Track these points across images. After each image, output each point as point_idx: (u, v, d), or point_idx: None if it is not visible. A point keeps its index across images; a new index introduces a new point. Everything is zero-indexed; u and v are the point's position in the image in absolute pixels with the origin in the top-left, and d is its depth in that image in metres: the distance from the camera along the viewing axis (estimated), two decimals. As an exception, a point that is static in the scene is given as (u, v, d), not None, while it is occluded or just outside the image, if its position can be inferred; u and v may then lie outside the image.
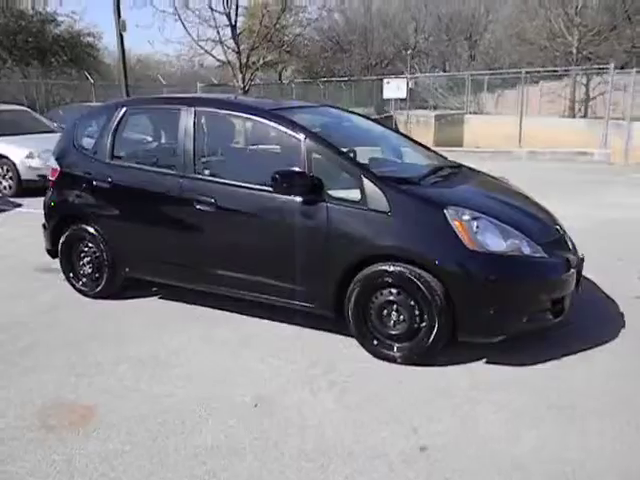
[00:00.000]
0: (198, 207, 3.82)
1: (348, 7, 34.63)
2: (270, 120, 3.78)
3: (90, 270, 4.53)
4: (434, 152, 4.66)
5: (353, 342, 3.63)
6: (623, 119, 15.62)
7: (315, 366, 3.42)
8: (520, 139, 16.58)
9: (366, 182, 3.38)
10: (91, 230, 4.42)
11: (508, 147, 15.90)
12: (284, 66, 24.87)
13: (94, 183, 4.32)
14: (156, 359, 3.55)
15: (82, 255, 4.55)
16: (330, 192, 3.46)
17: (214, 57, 14.42)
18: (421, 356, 3.34)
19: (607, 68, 17.61)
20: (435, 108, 25.12)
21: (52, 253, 4.82)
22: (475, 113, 22.53)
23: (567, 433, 2.71)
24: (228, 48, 13.95)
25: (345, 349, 3.63)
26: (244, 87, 14.53)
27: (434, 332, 3.26)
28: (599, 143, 14.40)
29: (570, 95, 24.84)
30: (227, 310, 4.23)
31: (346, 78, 28.62)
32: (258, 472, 2.48)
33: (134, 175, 4.18)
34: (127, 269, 4.35)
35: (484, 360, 3.44)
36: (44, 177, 7.11)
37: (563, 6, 24.37)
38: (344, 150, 3.64)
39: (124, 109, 4.35)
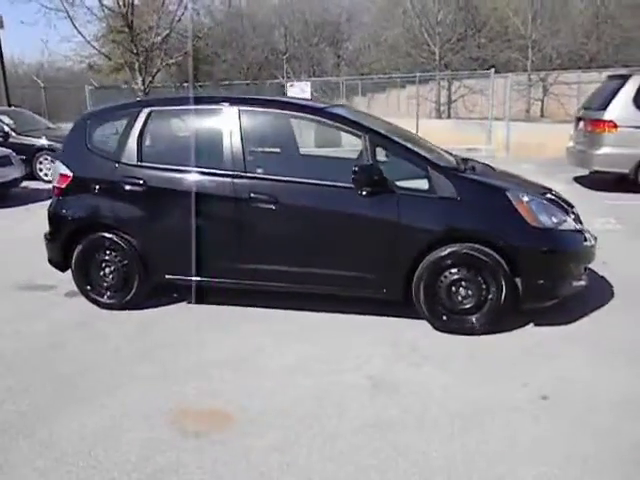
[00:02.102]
0: (257, 205, 3.85)
1: (214, 9, 34.40)
2: (327, 118, 3.93)
3: (114, 280, 4.28)
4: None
5: (414, 322, 3.93)
6: (486, 119, 17.49)
7: (398, 346, 3.67)
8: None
9: (432, 172, 3.71)
10: (116, 238, 4.18)
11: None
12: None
13: (124, 187, 4.10)
14: (244, 359, 3.54)
15: (104, 265, 4.29)
16: (397, 183, 3.73)
17: (108, 57, 13.59)
18: (489, 325, 3.74)
19: (472, 73, 19.58)
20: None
21: (60, 266, 4.46)
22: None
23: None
24: (125, 49, 13.28)
25: (410, 328, 3.91)
26: (144, 89, 13.92)
27: (500, 303, 3.68)
28: (475, 140, 15.97)
29: (435, 98, 27.20)
30: (264, 307, 4.26)
31: (226, 82, 28.40)
32: (421, 438, 2.69)
33: (173, 177, 4.06)
34: (166, 274, 4.19)
35: (531, 324, 3.94)
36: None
37: (423, 17, 26.70)
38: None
39: (148, 109, 4.18)
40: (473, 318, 3.74)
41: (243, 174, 3.92)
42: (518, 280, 3.67)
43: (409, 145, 3.94)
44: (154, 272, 4.21)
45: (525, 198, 3.70)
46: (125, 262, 4.23)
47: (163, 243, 4.12)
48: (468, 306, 3.75)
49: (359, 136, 3.82)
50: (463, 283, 3.73)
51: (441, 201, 3.68)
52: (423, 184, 3.72)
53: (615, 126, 8.33)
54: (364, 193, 3.69)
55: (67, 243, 4.33)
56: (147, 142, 4.17)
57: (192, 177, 4.03)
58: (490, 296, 3.70)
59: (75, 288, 4.69)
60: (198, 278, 4.14)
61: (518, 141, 14.57)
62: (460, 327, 3.77)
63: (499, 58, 24.98)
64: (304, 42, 36.48)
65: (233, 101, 4.06)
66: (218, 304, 4.39)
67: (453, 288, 3.75)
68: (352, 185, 3.71)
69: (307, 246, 3.90)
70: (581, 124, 9.22)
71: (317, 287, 3.98)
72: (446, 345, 3.66)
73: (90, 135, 4.30)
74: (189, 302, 4.49)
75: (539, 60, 23.43)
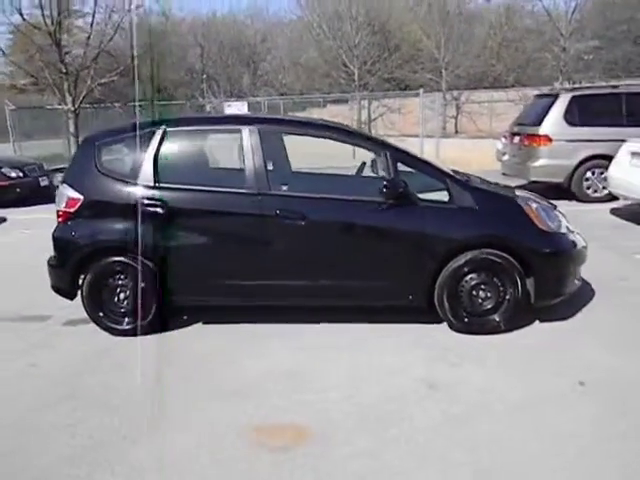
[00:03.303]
0: (285, 222, 3.93)
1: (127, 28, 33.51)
2: (347, 137, 4.11)
3: (130, 306, 4.16)
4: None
5: (430, 326, 4.15)
6: (404, 136, 18.45)
7: (430, 348, 3.87)
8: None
9: (451, 184, 3.99)
10: (132, 262, 4.08)
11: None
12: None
13: (141, 209, 4.02)
14: (291, 373, 3.58)
15: (118, 291, 4.16)
16: (419, 195, 3.96)
17: (34, 77, 12.88)
18: (506, 323, 4.04)
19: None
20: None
21: (67, 293, 4.26)
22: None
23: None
24: (54, 68, 12.62)
25: (431, 332, 4.12)
26: (75, 110, 13.31)
27: (516, 302, 4.00)
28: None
29: (356, 116, 28.14)
30: (280, 323, 4.29)
31: (141, 102, 27.60)
32: (499, 427, 2.91)
33: (194, 197, 4.04)
34: (189, 296, 4.13)
35: (537, 322, 4.28)
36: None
37: (341, 40, 27.62)
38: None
39: (162, 129, 4.14)
40: (495, 317, 4.02)
41: (268, 192, 3.99)
42: (531, 280, 4.01)
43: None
44: (175, 295, 4.13)
45: (534, 205, 4.07)
46: (142, 286, 4.12)
47: (186, 265, 4.07)
48: (488, 307, 4.03)
49: (379, 152, 4.02)
50: (482, 286, 4.01)
51: (461, 211, 3.95)
52: (443, 196, 3.98)
53: (550, 140, 9.16)
54: (391, 206, 3.89)
55: (77, 269, 4.16)
56: (163, 163, 4.12)
57: (214, 197, 4.03)
58: (507, 297, 4.01)
59: (74, 317, 4.53)
60: (225, 298, 4.11)
61: (446, 156, 15.48)
62: (481, 328, 4.04)
63: (414, 79, 26.38)
64: (220, 62, 36.47)
65: (253, 121, 4.13)
66: (234, 323, 4.38)
67: (473, 291, 4.02)
68: (378, 199, 3.91)
69: (336, 260, 4.02)
70: (516, 139, 10.03)
71: (347, 300, 4.11)
72: (471, 345, 3.91)
73: (99, 157, 4.17)
74: (204, 322, 4.45)
75: (452, 80, 25.02)
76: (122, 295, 4.17)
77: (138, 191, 4.06)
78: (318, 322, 4.30)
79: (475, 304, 4.03)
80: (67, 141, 14.22)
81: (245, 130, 4.06)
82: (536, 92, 23.40)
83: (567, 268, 4.08)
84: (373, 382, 3.43)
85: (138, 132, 4.20)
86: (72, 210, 4.14)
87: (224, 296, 4.15)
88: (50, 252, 4.30)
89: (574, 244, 4.12)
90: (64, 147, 14.56)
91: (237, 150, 4.08)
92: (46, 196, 9.63)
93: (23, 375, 3.69)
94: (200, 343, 4.09)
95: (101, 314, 4.19)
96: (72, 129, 13.58)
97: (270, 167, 4.07)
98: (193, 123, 4.40)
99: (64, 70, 12.82)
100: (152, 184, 4.06)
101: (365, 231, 3.98)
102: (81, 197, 4.11)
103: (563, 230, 4.14)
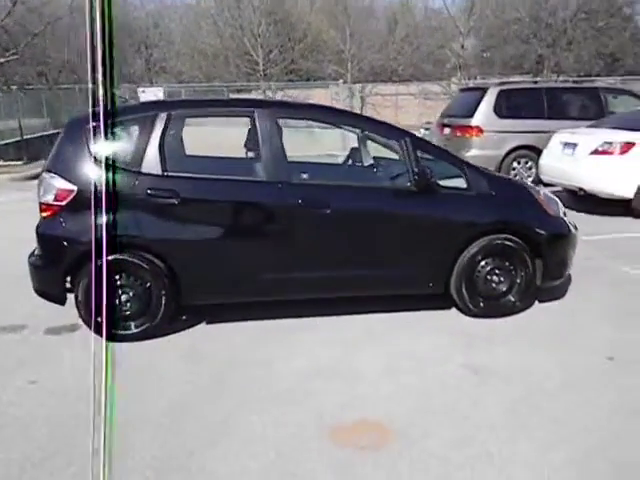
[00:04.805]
0: (308, 211, 3.75)
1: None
2: (371, 124, 3.99)
3: (134, 308, 3.75)
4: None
5: (441, 313, 4.21)
6: (312, 127, 18.58)
7: (455, 334, 3.90)
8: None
9: (469, 171, 4.03)
10: (136, 259, 3.68)
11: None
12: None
13: (149, 201, 3.63)
14: (331, 368, 3.44)
15: (120, 292, 3.73)
16: (439, 182, 3.97)
17: None
18: (521, 303, 4.19)
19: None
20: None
21: (56, 297, 3.76)
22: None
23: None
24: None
25: (446, 318, 4.18)
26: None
27: (527, 284, 4.16)
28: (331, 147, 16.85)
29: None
30: (291, 317, 4.12)
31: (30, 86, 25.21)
32: (562, 403, 3.00)
33: (209, 186, 3.71)
34: (204, 294, 3.81)
35: (537, 302, 4.49)
36: None
37: (244, 28, 27.09)
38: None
39: (166, 114, 3.75)
40: (507, 299, 4.14)
41: (288, 180, 3.78)
42: (539, 262, 4.18)
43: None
44: (188, 294, 3.79)
45: (542, 191, 4.25)
46: (147, 286, 3.73)
47: (199, 261, 3.73)
48: (501, 290, 4.15)
49: (399, 140, 3.96)
50: (497, 270, 4.12)
51: (479, 197, 4.02)
52: (461, 182, 4.02)
53: (481, 131, 9.66)
54: (415, 194, 3.86)
55: (69, 270, 3.67)
56: (170, 150, 3.74)
57: (230, 186, 3.75)
58: (518, 280, 4.15)
59: (52, 324, 4.06)
60: (242, 295, 3.84)
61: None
62: (497, 310, 4.14)
63: (319, 70, 26.58)
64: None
65: (268, 105, 3.88)
66: (238, 320, 4.12)
67: (488, 276, 4.12)
68: (402, 187, 3.86)
69: (360, 249, 3.91)
70: (447, 130, 10.45)
71: (369, 290, 4.02)
72: (491, 329, 4.00)
73: (94, 142, 3.68)
74: (208, 322, 4.14)
75: (356, 73, 25.53)
76: (124, 297, 3.74)
77: (142, 181, 3.65)
78: (330, 315, 4.17)
79: (490, 288, 4.13)
80: None
81: (258, 114, 3.79)
82: (435, 87, 24.60)
83: (570, 250, 4.31)
84: (417, 372, 3.39)
85: (136, 116, 3.79)
86: (63, 203, 3.63)
87: (241, 292, 3.88)
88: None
89: (574, 227, 4.36)
90: None
91: (252, 136, 3.81)
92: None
93: (28, 393, 3.18)
94: (216, 344, 3.79)
95: (99, 319, 3.73)
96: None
97: (291, 154, 3.85)
98: (199, 106, 4.04)
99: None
100: (159, 173, 3.67)
101: (390, 219, 3.91)
102: (74, 188, 3.61)
103: (562, 214, 4.36)
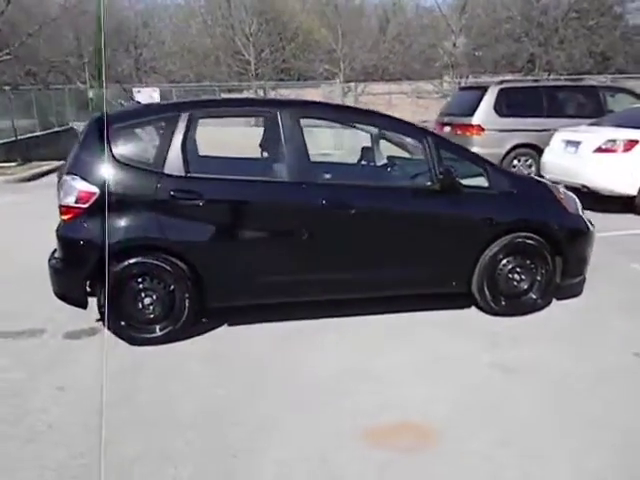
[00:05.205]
0: (332, 212, 3.73)
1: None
2: (393, 124, 3.97)
3: (157, 312, 3.70)
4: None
5: (458, 312, 4.21)
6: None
7: (476, 334, 3.90)
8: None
9: (490, 170, 4.03)
10: (160, 261, 3.63)
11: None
12: None
13: (173, 202, 3.59)
14: (361, 369, 3.42)
15: (143, 295, 3.68)
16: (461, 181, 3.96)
17: None
18: (542, 301, 4.20)
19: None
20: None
21: (79, 301, 3.70)
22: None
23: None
24: None
25: (462, 317, 4.18)
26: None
27: (548, 282, 4.17)
28: (325, 146, 16.86)
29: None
30: (304, 319, 4.08)
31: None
32: (599, 397, 3.01)
33: (234, 188, 3.68)
34: (227, 297, 3.77)
35: (555, 300, 4.51)
36: None
37: (235, 28, 26.97)
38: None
39: (188, 113, 3.70)
40: (528, 297, 4.15)
41: (312, 181, 3.75)
42: (558, 260, 4.20)
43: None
44: (212, 296, 3.75)
45: (562, 189, 4.26)
46: (171, 289, 3.69)
47: (224, 263, 3.69)
48: (523, 288, 4.15)
49: (421, 139, 3.95)
50: (518, 268, 4.13)
51: (501, 196, 4.02)
52: (482, 181, 4.02)
53: (482, 129, 9.69)
54: (438, 193, 3.85)
55: (92, 273, 3.61)
56: (193, 150, 3.70)
57: (254, 187, 3.71)
58: (538, 278, 4.16)
59: (71, 328, 4.04)
60: (266, 297, 3.81)
61: (349, 145, 15.73)
62: (518, 308, 4.15)
63: (311, 70, 26.54)
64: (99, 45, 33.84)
65: (292, 105, 3.85)
66: (261, 322, 4.09)
67: (510, 274, 4.12)
68: (425, 186, 3.85)
69: (385, 249, 3.89)
70: (447, 128, 10.47)
71: (393, 289, 4.01)
72: (513, 327, 4.01)
73: (116, 143, 3.63)
74: (229, 324, 4.10)
75: (349, 72, 25.52)
76: (148, 300, 3.69)
77: (166, 182, 3.60)
78: (349, 315, 4.14)
79: (511, 286, 4.13)
80: None
81: (283, 114, 3.75)
82: (428, 85, 24.63)
83: (589, 247, 4.33)
84: (446, 372, 3.38)
85: (159, 116, 3.75)
86: (85, 206, 3.57)
87: (265, 294, 3.85)
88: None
89: (591, 224, 4.38)
90: None
91: (275, 136, 3.77)
92: None
93: (58, 400, 3.12)
94: (241, 347, 3.76)
95: (123, 323, 3.68)
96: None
97: (315, 154, 3.82)
98: (221, 105, 4.00)
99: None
100: (183, 174, 3.62)
101: (414, 219, 3.90)
102: (97, 190, 3.55)
103: (580, 212, 4.38)
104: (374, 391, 3.16)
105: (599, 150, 7.46)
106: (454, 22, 21.06)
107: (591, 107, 9.93)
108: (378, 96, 24.94)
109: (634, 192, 7.31)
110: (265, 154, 4.05)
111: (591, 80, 14.32)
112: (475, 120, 9.70)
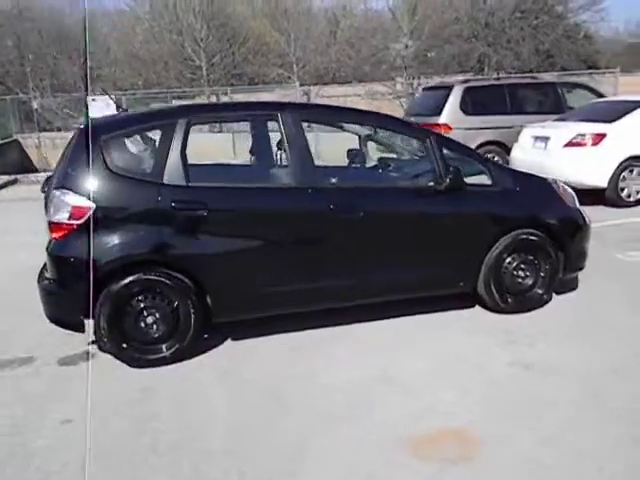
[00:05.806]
0: (339, 216, 3.60)
1: None
2: (395, 124, 3.89)
3: (161, 331, 3.48)
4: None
5: (466, 312, 4.19)
6: None
7: (490, 332, 3.86)
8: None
9: (493, 168, 4.01)
10: (163, 277, 3.41)
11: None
12: None
13: (175, 214, 3.38)
14: (386, 377, 3.31)
15: (145, 314, 3.45)
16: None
17: None
18: (547, 295, 4.21)
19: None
20: (60, 130, 23.66)
21: (76, 324, 3.43)
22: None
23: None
24: None
25: (474, 315, 4.15)
26: None
27: (551, 277, 4.18)
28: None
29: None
30: (319, 328, 3.95)
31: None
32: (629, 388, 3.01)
33: (240, 196, 3.50)
34: (234, 311, 3.58)
35: (554, 294, 4.53)
36: None
37: (184, 33, 26.43)
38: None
39: (186, 120, 3.50)
40: (533, 293, 4.15)
41: (317, 185, 3.62)
42: (560, 255, 4.22)
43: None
44: (218, 311, 3.55)
45: (561, 184, 4.28)
46: (175, 305, 3.47)
47: (232, 274, 3.51)
48: (528, 286, 4.15)
49: (423, 139, 3.88)
50: (522, 265, 4.12)
51: (505, 193, 4.00)
52: (485, 179, 3.99)
53: (450, 128, 9.78)
54: (443, 193, 3.79)
55: (89, 295, 3.35)
56: (193, 159, 3.50)
57: (259, 194, 3.55)
58: (542, 274, 4.17)
59: (62, 353, 3.76)
60: (277, 308, 3.65)
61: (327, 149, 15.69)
62: (525, 305, 4.14)
63: (265, 74, 26.29)
64: (40, 53, 32.51)
65: (293, 108, 3.70)
66: (267, 334, 3.92)
67: (515, 271, 4.11)
68: (430, 186, 3.79)
69: (394, 252, 3.80)
70: (415, 128, 10.53)
71: (403, 293, 3.92)
72: (525, 324, 3.99)
73: (109, 153, 3.39)
74: (233, 339, 3.91)
75: (302, 75, 25.42)
76: (150, 319, 3.47)
77: (165, 193, 3.39)
78: (357, 322, 4.03)
79: (516, 283, 4.12)
80: None
81: (283, 117, 3.60)
82: (380, 87, 24.83)
83: (587, 241, 4.37)
84: (470, 375, 3.32)
85: (153, 123, 3.53)
86: (79, 222, 3.30)
87: (274, 305, 3.68)
88: None
89: (588, 219, 4.43)
90: None
91: (278, 140, 3.62)
92: None
93: (67, 434, 2.87)
94: (252, 362, 3.58)
95: (125, 345, 3.44)
96: None
97: (318, 158, 3.70)
98: (220, 110, 3.80)
99: None
100: (184, 183, 3.42)
101: (421, 220, 3.83)
102: (91, 205, 3.30)
103: (578, 206, 4.42)
104: (402, 399, 3.06)
105: (569, 144, 7.63)
106: (405, 24, 21.30)
107: (551, 103, 10.19)
108: (333, 98, 25.02)
109: (604, 184, 7.52)
110: (263, 159, 3.88)
111: (541, 77, 14.73)
112: (442, 119, 9.79)
